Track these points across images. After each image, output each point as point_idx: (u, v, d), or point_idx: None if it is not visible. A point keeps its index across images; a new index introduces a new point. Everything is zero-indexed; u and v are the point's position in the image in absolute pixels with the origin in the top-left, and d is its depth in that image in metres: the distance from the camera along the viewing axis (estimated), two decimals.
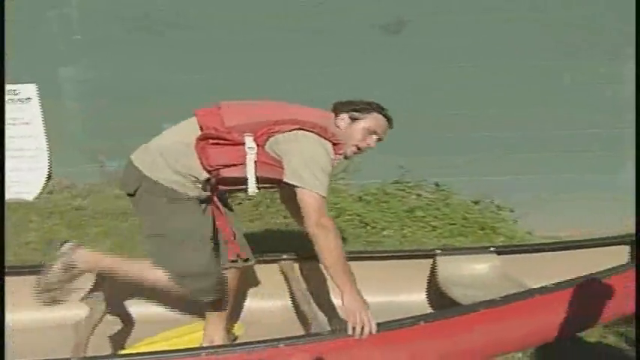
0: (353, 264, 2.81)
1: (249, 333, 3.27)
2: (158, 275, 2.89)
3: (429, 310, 3.63)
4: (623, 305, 3.32)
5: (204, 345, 3.01)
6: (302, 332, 3.23)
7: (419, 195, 5.22)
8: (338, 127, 2.94)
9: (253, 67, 5.07)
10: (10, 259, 3.44)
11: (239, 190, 2.92)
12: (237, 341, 3.24)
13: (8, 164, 4.77)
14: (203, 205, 2.92)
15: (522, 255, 3.78)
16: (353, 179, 5.15)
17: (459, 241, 4.66)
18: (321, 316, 3.23)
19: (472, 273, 3.66)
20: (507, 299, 3.06)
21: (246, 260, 3.11)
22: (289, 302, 3.58)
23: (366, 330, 2.72)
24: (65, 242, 3.13)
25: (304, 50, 5.09)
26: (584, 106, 5.12)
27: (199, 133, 2.82)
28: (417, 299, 3.73)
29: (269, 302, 3.64)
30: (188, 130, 2.86)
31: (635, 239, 3.74)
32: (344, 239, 3.31)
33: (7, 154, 4.85)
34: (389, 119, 3.03)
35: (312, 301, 3.33)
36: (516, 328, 3.12)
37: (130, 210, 4.88)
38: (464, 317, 3.00)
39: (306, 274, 3.67)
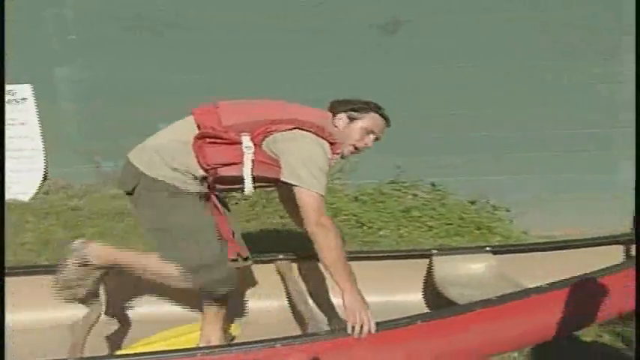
0: (349, 264, 2.82)
1: (246, 333, 3.27)
2: (171, 269, 2.88)
3: (426, 310, 3.63)
4: (619, 304, 3.34)
5: (200, 345, 3.00)
6: (298, 332, 3.23)
7: (415, 195, 5.22)
8: (336, 126, 2.95)
9: (252, 67, 5.06)
10: (7, 259, 3.43)
11: (236, 190, 2.93)
12: (234, 341, 3.24)
13: (6, 165, 4.76)
14: (202, 202, 2.93)
15: (518, 255, 3.79)
16: (349, 179, 5.15)
17: (455, 240, 4.67)
18: (318, 316, 3.24)
19: (468, 273, 3.67)
20: (503, 299, 3.07)
21: (246, 259, 3.10)
22: (286, 302, 3.59)
23: (365, 329, 2.73)
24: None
25: (303, 50, 5.08)
26: (579, 106, 5.12)
27: (196, 131, 2.82)
28: (413, 299, 3.74)
29: (266, 302, 3.64)
30: (185, 128, 2.87)
31: (630, 239, 3.76)
32: None
33: (6, 154, 4.83)
34: (386, 119, 3.04)
35: (308, 301, 3.35)
36: (512, 328, 3.13)
37: (127, 210, 4.92)
38: (460, 317, 3.01)
39: (304, 274, 3.69)
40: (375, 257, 3.75)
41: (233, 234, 3.05)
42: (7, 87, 5.16)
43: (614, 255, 3.68)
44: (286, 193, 3.06)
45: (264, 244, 3.94)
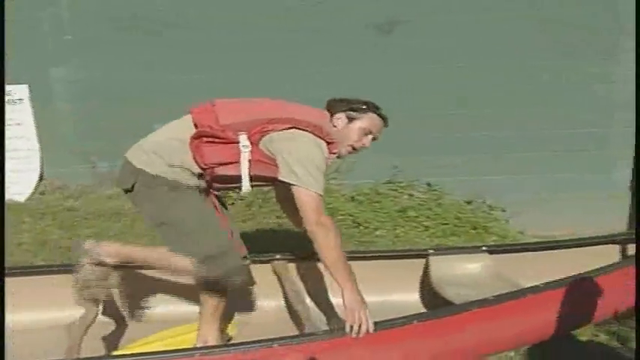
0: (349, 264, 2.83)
1: (243, 333, 3.27)
2: (183, 261, 2.87)
3: (422, 310, 3.64)
4: (615, 304, 3.35)
5: (198, 345, 3.00)
6: (296, 332, 3.23)
7: (411, 195, 5.22)
8: (335, 126, 2.95)
9: (251, 67, 5.05)
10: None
11: (233, 189, 2.94)
12: (231, 341, 3.24)
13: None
14: (203, 195, 2.93)
15: (514, 254, 3.80)
16: (345, 179, 5.16)
17: (451, 240, 4.67)
18: (315, 316, 3.24)
19: (465, 272, 3.68)
20: (500, 298, 3.08)
21: (245, 258, 3.11)
22: (282, 302, 3.59)
23: (363, 329, 2.73)
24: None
25: (301, 50, 5.07)
26: (577, 106, 5.12)
27: (194, 130, 2.82)
28: (410, 299, 3.74)
29: (263, 302, 3.65)
30: (183, 127, 2.87)
31: (626, 238, 3.77)
32: None
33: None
34: (384, 119, 3.04)
35: (305, 300, 3.35)
36: (509, 327, 3.14)
37: (123, 211, 4.93)
38: (457, 316, 3.01)
39: (300, 273, 3.69)
40: (372, 257, 3.75)
41: (232, 233, 3.05)
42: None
43: (611, 255, 3.69)
44: (283, 193, 3.06)
45: (261, 244, 3.94)
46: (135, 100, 5.15)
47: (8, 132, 5.21)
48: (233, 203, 4.82)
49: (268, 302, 3.64)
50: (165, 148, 2.83)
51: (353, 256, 3.47)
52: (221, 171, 2.79)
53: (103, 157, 5.35)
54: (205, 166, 2.79)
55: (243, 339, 3.00)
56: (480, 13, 4.99)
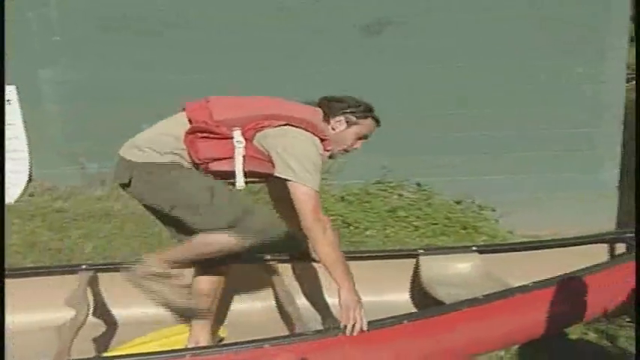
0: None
1: (234, 334, 3.27)
2: (218, 237, 2.78)
3: (413, 310, 3.65)
4: (604, 303, 3.37)
5: (189, 346, 3.00)
6: (286, 333, 3.23)
7: (401, 195, 5.23)
8: (333, 129, 2.97)
9: (246, 68, 5.00)
10: None
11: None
12: (223, 342, 3.24)
13: None
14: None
15: (504, 254, 3.81)
16: (335, 179, 5.15)
17: (441, 240, 4.68)
18: (306, 316, 3.25)
19: (455, 272, 3.69)
20: (490, 298, 3.10)
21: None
22: (273, 303, 3.59)
23: (357, 328, 2.74)
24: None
25: (298, 50, 5.07)
26: (563, 106, 5.15)
27: (188, 126, 2.82)
28: (400, 299, 3.75)
29: (253, 303, 3.65)
30: (177, 123, 2.86)
31: (614, 238, 3.80)
32: None
33: None
34: (378, 121, 3.07)
35: (296, 301, 3.35)
36: (499, 327, 3.15)
37: (112, 212, 4.92)
38: (447, 316, 3.03)
39: (291, 274, 3.69)
40: (362, 257, 3.75)
41: None
42: None
43: (599, 254, 3.71)
44: (277, 191, 3.07)
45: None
46: (124, 101, 5.12)
47: None
48: None
49: (259, 303, 3.64)
50: (159, 143, 2.81)
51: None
52: (215, 166, 2.79)
53: (92, 158, 5.32)
54: (199, 162, 2.78)
55: (234, 339, 2.99)
56: (471, 13, 4.99)
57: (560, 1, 4.99)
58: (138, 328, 3.34)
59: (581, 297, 3.24)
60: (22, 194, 5.26)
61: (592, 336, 3.37)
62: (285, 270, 3.68)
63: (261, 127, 2.80)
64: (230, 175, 2.79)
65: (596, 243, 3.78)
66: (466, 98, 5.11)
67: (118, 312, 3.57)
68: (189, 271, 3.04)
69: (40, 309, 3.36)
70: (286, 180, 2.76)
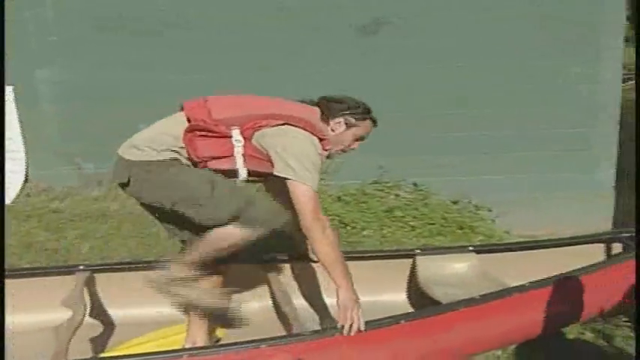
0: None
1: (231, 334, 3.27)
2: (228, 230, 2.76)
3: (410, 310, 3.65)
4: (600, 303, 3.38)
5: (186, 347, 3.00)
6: (283, 333, 3.23)
7: (397, 195, 5.24)
8: (333, 130, 2.96)
9: (242, 68, 5.00)
10: None
11: None
12: (220, 343, 3.23)
13: None
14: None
15: (501, 254, 3.82)
16: (332, 180, 5.15)
17: (438, 240, 4.68)
18: (302, 316, 3.25)
19: (452, 272, 3.70)
20: (486, 298, 3.10)
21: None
22: (270, 303, 3.59)
23: (354, 327, 2.74)
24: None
25: (297, 50, 5.08)
26: (560, 106, 5.16)
27: (186, 125, 2.81)
28: (397, 299, 3.75)
29: (250, 303, 3.64)
30: (175, 123, 2.85)
31: (611, 237, 3.80)
32: None
33: None
34: (375, 123, 3.08)
35: (292, 301, 3.35)
36: (496, 326, 3.16)
37: (109, 212, 4.92)
38: (444, 316, 3.04)
39: (287, 274, 3.69)
40: (359, 257, 3.74)
41: None
42: None
43: (596, 254, 3.72)
44: (274, 191, 3.07)
45: (248, 246, 3.93)
46: (120, 101, 5.12)
47: None
48: None
49: (256, 303, 3.64)
50: (158, 142, 2.80)
51: None
52: (214, 165, 2.79)
53: (89, 158, 5.32)
54: (198, 160, 2.78)
55: (231, 340, 2.99)
56: (468, 13, 5.01)
57: (556, 0, 5.00)
58: (135, 329, 3.34)
59: (578, 297, 3.24)
60: (19, 195, 5.25)
61: (589, 336, 3.37)
62: (282, 270, 3.69)
63: (260, 126, 2.80)
64: (228, 174, 2.80)
65: (592, 243, 3.79)
66: (462, 98, 5.12)
67: (115, 312, 3.57)
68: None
69: (37, 310, 3.35)
70: (285, 179, 2.76)
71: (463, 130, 5.19)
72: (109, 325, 3.54)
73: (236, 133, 2.78)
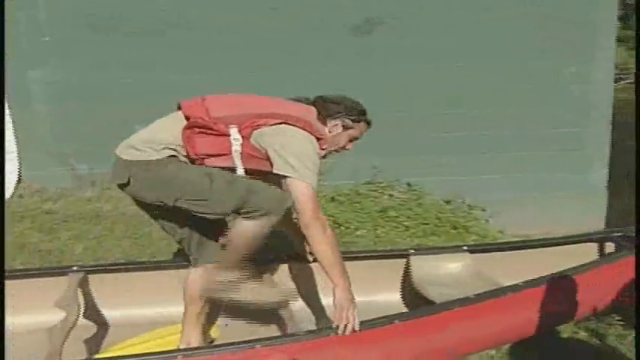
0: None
1: (226, 334, 3.27)
2: (244, 223, 2.76)
3: (404, 310, 3.65)
4: (594, 302, 3.39)
5: (180, 347, 3.00)
6: (278, 333, 3.24)
7: (391, 195, 5.25)
8: (330, 131, 2.98)
9: (237, 68, 5.03)
10: None
11: None
12: (214, 343, 3.23)
13: None
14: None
15: (495, 253, 3.83)
16: (326, 180, 5.15)
17: (431, 240, 4.69)
18: (297, 317, 3.25)
19: (446, 272, 3.70)
20: (480, 297, 3.10)
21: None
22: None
23: (349, 327, 2.74)
24: None
25: (292, 49, 5.09)
26: (553, 106, 5.18)
27: (185, 123, 2.81)
28: (391, 299, 3.75)
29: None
30: (174, 122, 2.85)
31: (603, 237, 3.82)
32: None
33: None
34: (369, 124, 3.09)
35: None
36: (490, 326, 3.16)
37: (102, 213, 4.91)
38: (438, 316, 3.04)
39: (283, 274, 3.68)
40: (353, 257, 3.72)
41: None
42: None
43: (589, 253, 3.73)
44: None
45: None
46: (113, 102, 5.12)
47: None
48: None
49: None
50: (156, 141, 2.80)
51: None
52: (211, 162, 2.79)
53: (82, 159, 5.32)
54: (196, 157, 2.78)
55: (226, 340, 2.99)
56: (462, 13, 5.04)
57: (550, 1, 5.02)
58: (129, 329, 3.33)
59: (571, 296, 3.26)
60: (12, 195, 5.24)
61: (582, 334, 3.39)
62: (277, 270, 3.68)
63: (258, 125, 2.80)
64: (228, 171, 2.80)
65: (585, 242, 3.80)
66: (456, 98, 5.14)
67: (108, 313, 3.56)
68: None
69: (31, 311, 3.33)
70: (285, 176, 2.76)
71: (457, 130, 5.21)
72: (102, 326, 3.53)
73: (234, 132, 2.78)
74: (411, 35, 5.05)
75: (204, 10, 5.03)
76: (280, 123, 2.81)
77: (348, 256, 3.69)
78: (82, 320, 3.24)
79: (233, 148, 2.78)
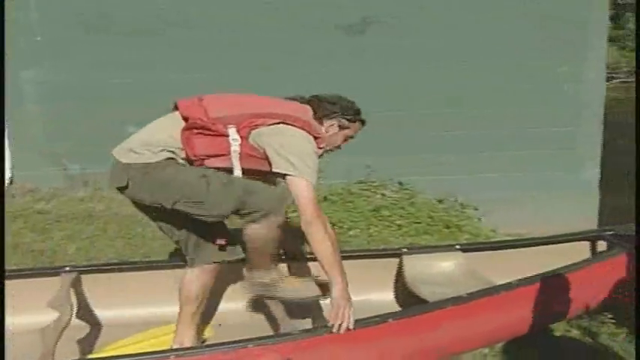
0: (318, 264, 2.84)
1: (219, 334, 3.27)
2: (252, 227, 2.79)
3: (397, 308, 3.66)
4: (587, 300, 3.40)
5: (174, 347, 2.99)
6: (271, 333, 3.24)
7: (384, 194, 5.25)
8: (326, 131, 2.99)
9: (233, 68, 5.03)
10: None
11: None
12: (207, 343, 3.23)
13: None
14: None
15: (487, 252, 3.84)
16: (319, 179, 5.15)
17: (424, 239, 4.69)
18: (290, 316, 3.25)
19: (438, 271, 3.71)
20: (473, 296, 3.11)
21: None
22: (259, 302, 3.58)
23: (344, 326, 2.75)
24: None
25: (290, 49, 5.09)
26: (545, 105, 5.19)
27: (183, 124, 2.81)
28: (384, 298, 3.76)
29: (238, 303, 3.63)
30: (172, 122, 2.85)
31: (596, 235, 3.83)
32: None
33: None
34: (364, 123, 3.11)
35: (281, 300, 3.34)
36: (483, 325, 3.17)
37: (95, 213, 4.90)
38: (431, 314, 3.04)
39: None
40: (346, 257, 3.67)
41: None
42: None
43: (581, 252, 3.75)
44: None
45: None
46: (106, 102, 5.10)
47: None
48: None
49: (244, 303, 3.63)
50: (154, 143, 2.80)
51: None
52: (210, 163, 2.79)
53: (74, 159, 5.31)
54: (195, 158, 2.78)
55: (219, 340, 2.99)
56: (457, 13, 5.06)
57: (543, 0, 5.04)
58: (123, 330, 3.33)
59: (564, 294, 3.27)
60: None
61: (575, 333, 3.40)
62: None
63: (256, 125, 2.80)
64: (225, 172, 2.80)
65: (577, 241, 3.82)
66: (449, 98, 5.15)
67: (102, 313, 3.55)
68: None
69: (23, 311, 3.31)
70: (286, 175, 2.76)
71: (449, 130, 5.22)
72: (95, 326, 3.52)
73: (233, 132, 2.78)
74: (408, 35, 5.06)
75: (204, 10, 5.03)
76: (278, 123, 2.81)
77: (341, 255, 3.72)
78: (74, 320, 3.23)
79: (232, 148, 2.78)
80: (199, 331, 3.17)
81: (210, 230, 2.94)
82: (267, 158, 2.80)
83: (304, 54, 5.10)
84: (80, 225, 4.84)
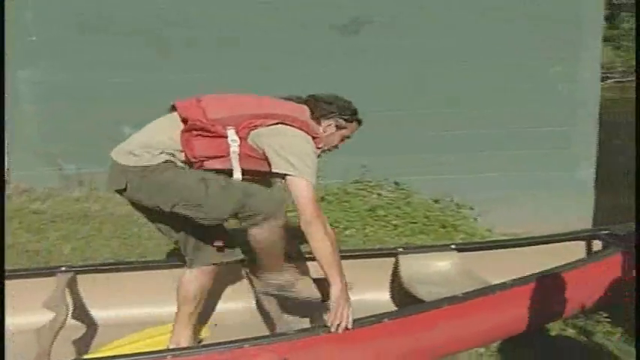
0: (317, 264, 2.84)
1: (216, 334, 3.27)
2: (255, 231, 2.81)
3: (393, 308, 3.66)
4: (582, 299, 3.41)
5: (170, 347, 2.99)
6: (267, 333, 3.24)
7: (380, 194, 5.25)
8: (324, 132, 3.00)
9: (230, 67, 5.03)
10: None
11: None
12: (203, 343, 3.23)
13: None
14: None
15: (483, 252, 3.84)
16: (318, 179, 5.15)
17: (420, 239, 4.70)
18: (286, 316, 3.25)
19: (434, 270, 3.72)
20: (469, 295, 3.11)
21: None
22: (254, 303, 3.59)
23: (342, 325, 2.76)
24: None
25: (288, 48, 5.10)
26: (540, 105, 5.20)
27: (181, 126, 2.81)
28: (380, 297, 3.76)
29: (235, 304, 3.63)
30: (170, 124, 2.85)
31: (591, 235, 3.84)
32: None
33: None
34: (360, 123, 3.12)
35: (276, 301, 3.35)
36: (479, 324, 3.17)
37: (90, 213, 4.89)
38: (427, 314, 3.04)
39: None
40: (342, 256, 3.71)
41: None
42: None
43: (576, 251, 3.75)
44: None
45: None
46: (101, 102, 5.10)
47: None
48: None
49: (241, 303, 3.63)
50: (153, 145, 2.79)
51: None
52: (209, 164, 2.79)
53: (70, 159, 5.30)
54: (195, 159, 2.78)
55: (215, 340, 2.99)
56: (453, 12, 5.06)
57: (538, 0, 5.05)
58: (118, 330, 3.32)
59: (560, 294, 3.27)
60: None
61: (570, 332, 3.40)
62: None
63: (255, 125, 2.80)
64: (224, 173, 2.80)
65: (572, 240, 3.83)
66: (444, 98, 5.15)
67: (97, 313, 3.55)
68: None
69: (19, 312, 3.30)
70: (286, 175, 2.76)
71: (444, 130, 5.23)
72: (91, 326, 3.52)
73: (232, 133, 2.78)
74: (405, 34, 5.07)
75: (204, 10, 5.02)
76: (277, 123, 2.81)
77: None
78: (70, 321, 3.23)
79: (231, 149, 2.78)
80: (196, 331, 3.17)
81: (208, 232, 2.94)
82: (266, 159, 2.80)
83: (303, 54, 5.09)
84: (76, 225, 4.83)
